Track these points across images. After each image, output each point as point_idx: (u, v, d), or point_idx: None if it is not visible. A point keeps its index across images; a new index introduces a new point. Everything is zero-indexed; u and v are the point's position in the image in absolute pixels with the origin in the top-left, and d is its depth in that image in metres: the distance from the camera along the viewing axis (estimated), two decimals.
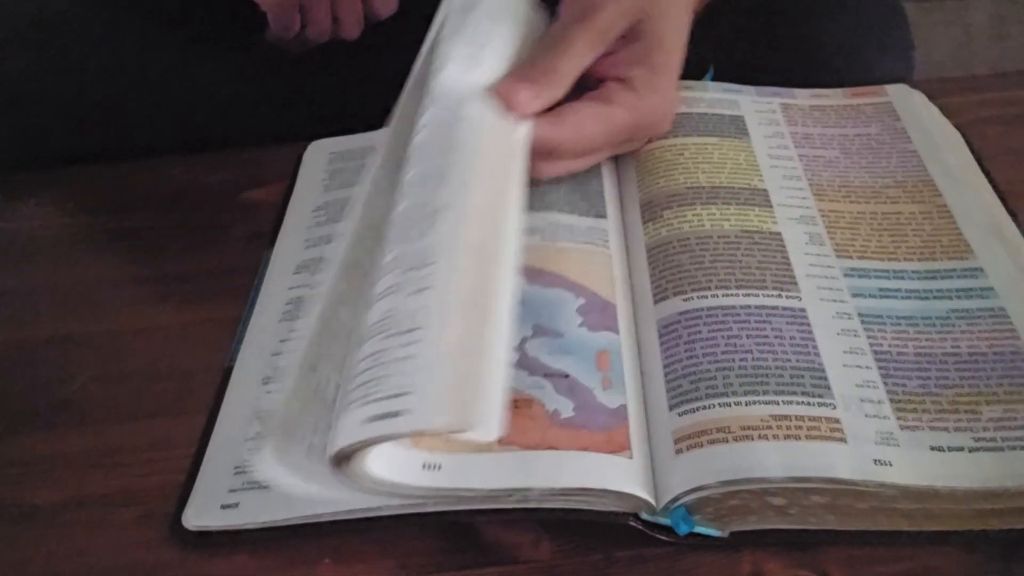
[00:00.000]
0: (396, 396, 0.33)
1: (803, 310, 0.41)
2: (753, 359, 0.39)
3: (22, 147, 0.61)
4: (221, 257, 0.52)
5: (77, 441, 0.42)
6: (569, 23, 0.47)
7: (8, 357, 0.47)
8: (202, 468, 0.40)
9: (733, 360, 0.39)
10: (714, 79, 0.56)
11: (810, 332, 0.40)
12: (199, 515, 0.38)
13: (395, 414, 0.32)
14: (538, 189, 0.48)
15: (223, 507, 0.38)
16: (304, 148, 0.58)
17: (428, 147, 0.43)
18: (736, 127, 0.52)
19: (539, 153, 0.45)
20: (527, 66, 0.46)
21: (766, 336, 0.40)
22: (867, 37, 0.65)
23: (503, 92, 0.44)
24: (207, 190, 0.56)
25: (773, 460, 0.35)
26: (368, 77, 0.67)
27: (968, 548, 0.36)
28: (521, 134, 0.44)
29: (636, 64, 0.47)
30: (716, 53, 0.57)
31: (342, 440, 0.33)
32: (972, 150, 0.52)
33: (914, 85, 0.57)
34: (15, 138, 0.61)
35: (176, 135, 0.62)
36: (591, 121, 0.46)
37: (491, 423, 0.33)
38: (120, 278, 0.51)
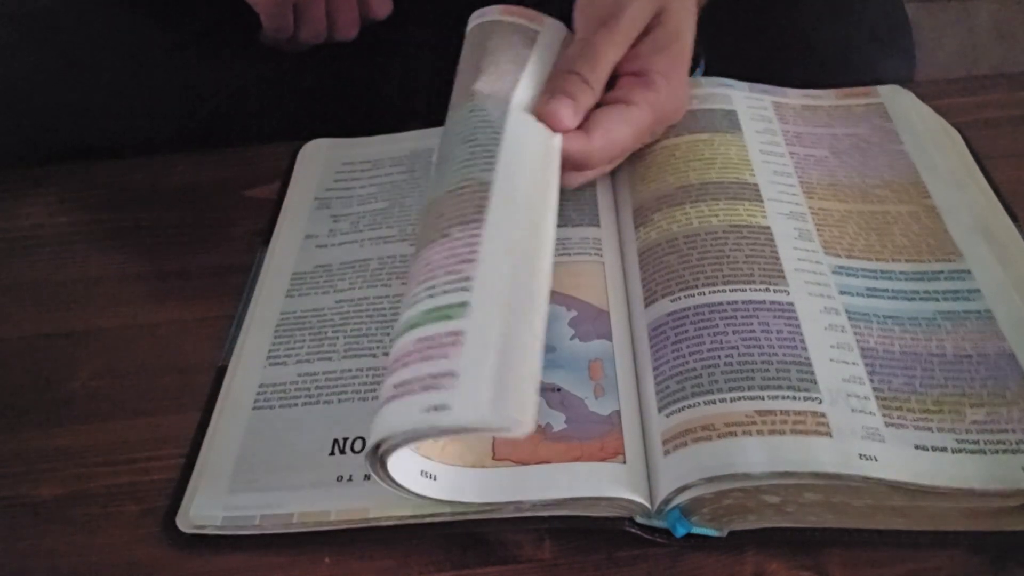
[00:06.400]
0: (441, 390, 0.33)
1: (791, 304, 0.41)
2: (739, 355, 0.39)
3: (24, 144, 0.61)
4: (223, 254, 0.52)
5: (80, 437, 0.43)
6: (595, 28, 0.47)
7: (10, 353, 0.47)
8: (196, 471, 0.40)
9: (719, 357, 0.39)
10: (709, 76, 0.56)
11: (797, 326, 0.40)
12: (194, 518, 0.38)
13: (442, 407, 0.32)
14: None
15: (223, 509, 0.38)
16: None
17: (473, 146, 0.43)
18: (729, 121, 0.52)
19: (571, 165, 0.46)
20: (562, 81, 0.46)
21: (752, 331, 0.40)
22: (869, 38, 0.65)
23: (546, 113, 0.45)
24: (209, 187, 0.57)
25: (757, 455, 0.35)
26: (370, 76, 0.68)
27: (969, 549, 0.36)
28: (556, 143, 0.45)
29: (655, 54, 0.47)
30: (716, 52, 0.58)
31: (387, 429, 0.33)
32: (973, 151, 0.52)
33: (917, 86, 0.57)
34: (17, 135, 0.61)
35: (178, 132, 0.62)
36: (618, 127, 0.46)
37: (527, 421, 0.32)
38: (122, 275, 0.52)
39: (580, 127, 0.46)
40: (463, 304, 0.35)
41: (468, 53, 0.50)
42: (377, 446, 0.33)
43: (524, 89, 0.46)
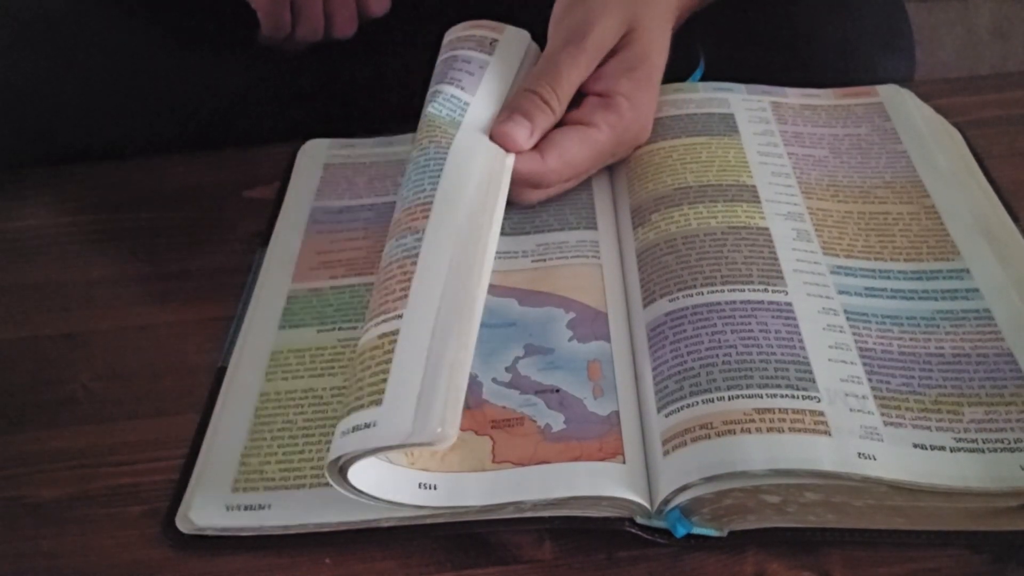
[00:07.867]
0: (367, 408, 0.35)
1: (789, 304, 0.41)
2: (737, 354, 0.39)
3: (25, 146, 0.61)
4: (223, 255, 0.52)
5: (80, 438, 0.43)
6: (561, 47, 0.47)
7: (11, 354, 0.47)
8: (196, 472, 0.40)
9: (717, 356, 0.39)
10: (711, 79, 0.56)
11: (796, 326, 0.40)
12: (195, 519, 0.38)
13: (368, 426, 0.34)
14: (528, 212, 0.49)
15: (226, 508, 0.38)
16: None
17: (422, 168, 0.44)
18: (726, 125, 0.52)
19: (525, 183, 0.46)
20: (521, 100, 0.47)
21: (751, 330, 0.40)
22: (869, 37, 0.65)
23: (500, 134, 0.45)
24: (209, 188, 0.57)
25: (756, 453, 0.35)
26: (370, 75, 0.68)
27: (970, 549, 0.36)
28: (508, 162, 0.45)
29: (621, 76, 0.47)
30: (716, 52, 0.57)
31: (332, 452, 0.35)
32: (973, 151, 0.52)
33: (916, 85, 0.57)
34: (18, 136, 0.61)
35: (178, 133, 0.62)
36: (575, 148, 0.47)
37: (449, 434, 0.34)
38: (122, 276, 0.52)
39: (537, 146, 0.46)
40: (396, 327, 0.37)
41: (434, 74, 0.50)
42: (334, 464, 0.35)
43: (480, 104, 0.47)
